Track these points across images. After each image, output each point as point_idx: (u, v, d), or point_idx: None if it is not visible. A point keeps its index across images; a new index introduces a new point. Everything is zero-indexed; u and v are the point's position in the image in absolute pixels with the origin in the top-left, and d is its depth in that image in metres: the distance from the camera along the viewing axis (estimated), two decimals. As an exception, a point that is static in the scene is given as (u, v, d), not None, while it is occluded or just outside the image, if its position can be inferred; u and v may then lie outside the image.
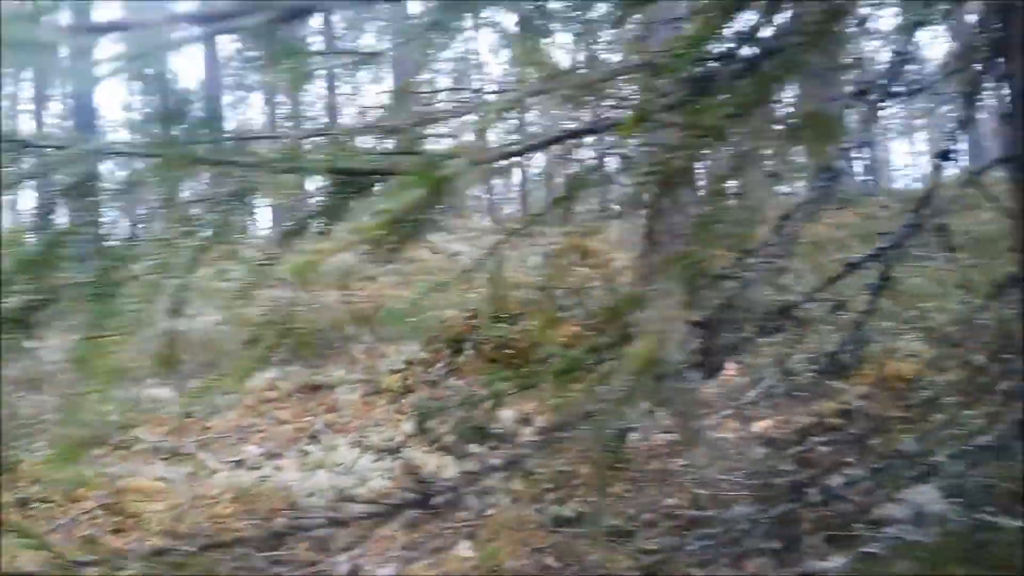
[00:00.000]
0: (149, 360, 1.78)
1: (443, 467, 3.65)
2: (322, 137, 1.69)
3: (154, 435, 4.92)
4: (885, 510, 1.73)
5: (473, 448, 3.36)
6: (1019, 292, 1.78)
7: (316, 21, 20.35)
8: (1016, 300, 1.83)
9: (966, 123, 2.02)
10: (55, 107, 25.65)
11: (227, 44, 25.98)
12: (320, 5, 1.94)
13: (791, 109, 1.58)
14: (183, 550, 1.99)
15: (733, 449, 4.17)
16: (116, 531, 3.45)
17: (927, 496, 1.69)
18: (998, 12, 1.87)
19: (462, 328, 5.71)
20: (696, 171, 2.18)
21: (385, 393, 5.38)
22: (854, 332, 2.38)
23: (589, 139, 1.78)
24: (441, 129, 1.71)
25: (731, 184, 1.29)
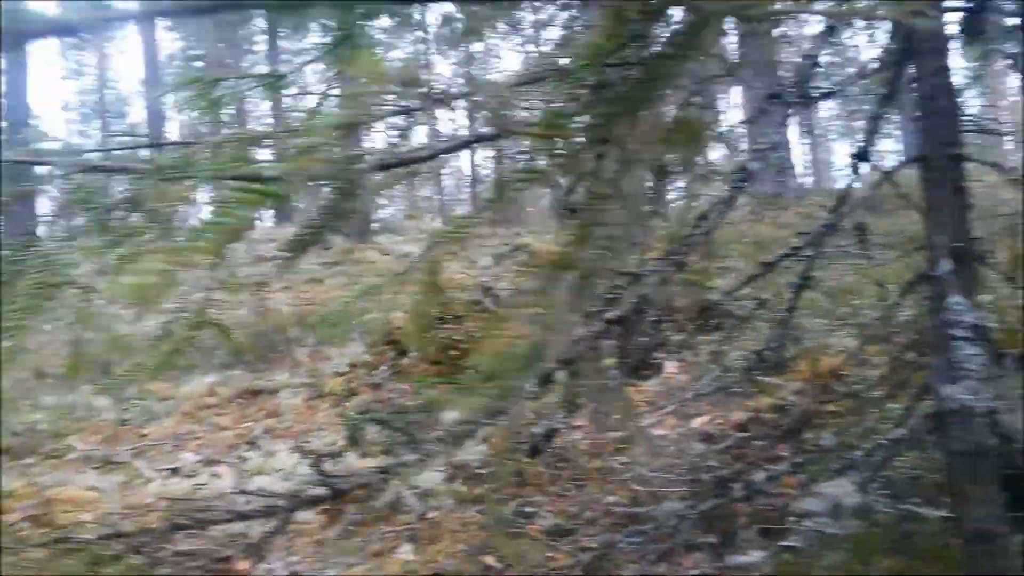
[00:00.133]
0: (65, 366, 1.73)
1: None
2: (229, 144, 1.67)
3: (87, 443, 4.79)
4: (803, 503, 1.77)
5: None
6: (929, 289, 1.85)
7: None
8: (926, 296, 1.89)
9: (880, 124, 2.09)
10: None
11: (168, 44, 25.47)
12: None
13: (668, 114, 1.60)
14: (82, 538, 1.94)
15: (672, 446, 4.23)
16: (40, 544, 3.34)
17: (843, 489, 1.73)
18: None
19: (415, 329, 5.67)
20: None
21: (328, 397, 5.32)
22: (778, 329, 2.43)
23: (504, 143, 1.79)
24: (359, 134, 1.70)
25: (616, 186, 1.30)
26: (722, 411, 4.46)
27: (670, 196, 2.21)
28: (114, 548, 2.19)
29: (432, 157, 1.62)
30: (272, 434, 4.80)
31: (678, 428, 4.45)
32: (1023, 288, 2.09)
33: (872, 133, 2.12)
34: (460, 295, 6.54)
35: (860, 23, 2.12)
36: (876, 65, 2.09)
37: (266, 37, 20.58)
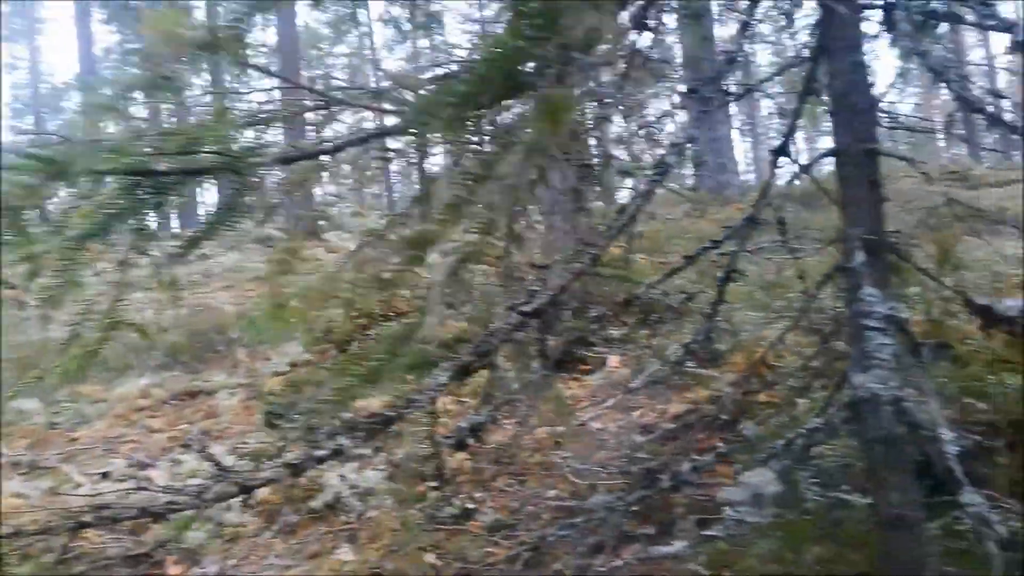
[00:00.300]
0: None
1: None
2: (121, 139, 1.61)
3: (13, 449, 4.62)
4: (726, 493, 1.80)
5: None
6: (845, 280, 1.89)
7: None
8: (843, 288, 1.93)
9: (797, 120, 2.13)
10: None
11: (105, 38, 24.74)
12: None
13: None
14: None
15: (612, 439, 4.26)
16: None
17: (764, 478, 1.76)
18: (823, 13, 1.98)
19: (351, 328, 5.61)
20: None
21: (271, 395, 5.22)
22: (706, 322, 2.46)
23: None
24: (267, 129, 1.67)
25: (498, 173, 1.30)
26: (661, 403, 4.52)
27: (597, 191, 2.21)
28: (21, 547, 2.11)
29: (337, 150, 1.59)
30: (209, 436, 4.69)
31: (618, 421, 4.49)
32: (938, 280, 2.15)
33: (792, 128, 2.16)
34: (405, 292, 6.50)
35: (780, 19, 2.15)
36: (794, 61, 2.13)
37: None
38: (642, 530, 3.32)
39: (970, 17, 2.08)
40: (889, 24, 2.00)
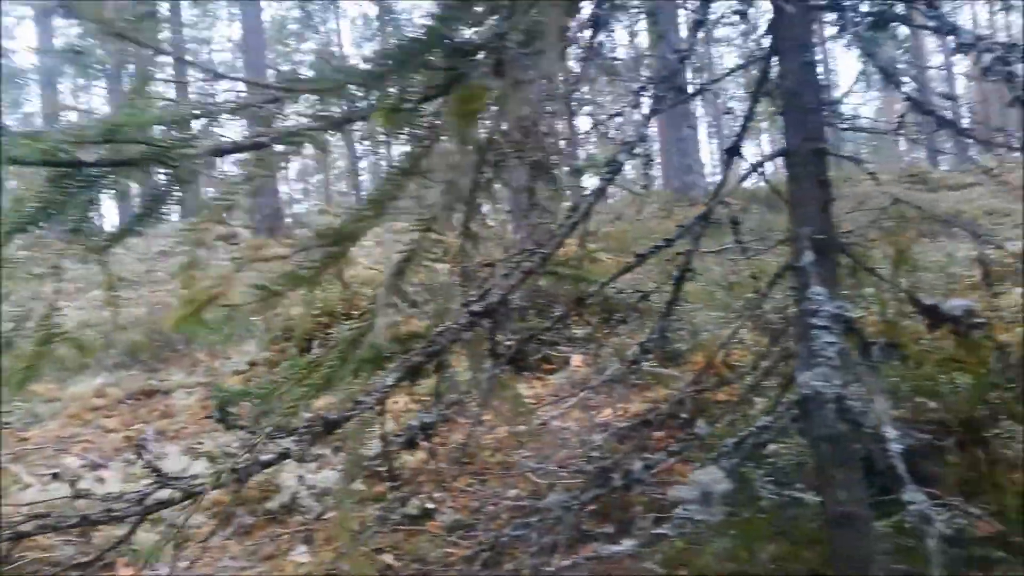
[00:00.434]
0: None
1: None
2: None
3: (-39, 450, 4.49)
4: (675, 491, 1.79)
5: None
6: (794, 279, 1.90)
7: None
8: (792, 287, 1.94)
9: (750, 119, 2.14)
10: None
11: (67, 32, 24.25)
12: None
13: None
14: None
15: (573, 438, 4.27)
16: None
17: (713, 476, 1.76)
18: (774, 13, 1.99)
19: (311, 326, 5.54)
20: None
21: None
22: (662, 321, 2.46)
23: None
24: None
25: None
26: (623, 403, 4.53)
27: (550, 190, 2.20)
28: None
29: (275, 142, 1.56)
30: (164, 436, 4.61)
31: (580, 420, 4.49)
32: (886, 280, 2.17)
33: (744, 128, 2.16)
34: (367, 290, 6.45)
35: (734, 18, 2.16)
36: (746, 61, 2.13)
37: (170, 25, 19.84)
38: (601, 529, 3.33)
39: (919, 19, 2.11)
40: (840, 25, 2.01)
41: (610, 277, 2.21)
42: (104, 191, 1.37)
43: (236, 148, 1.55)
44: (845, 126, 2.53)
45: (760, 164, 2.10)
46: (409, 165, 1.25)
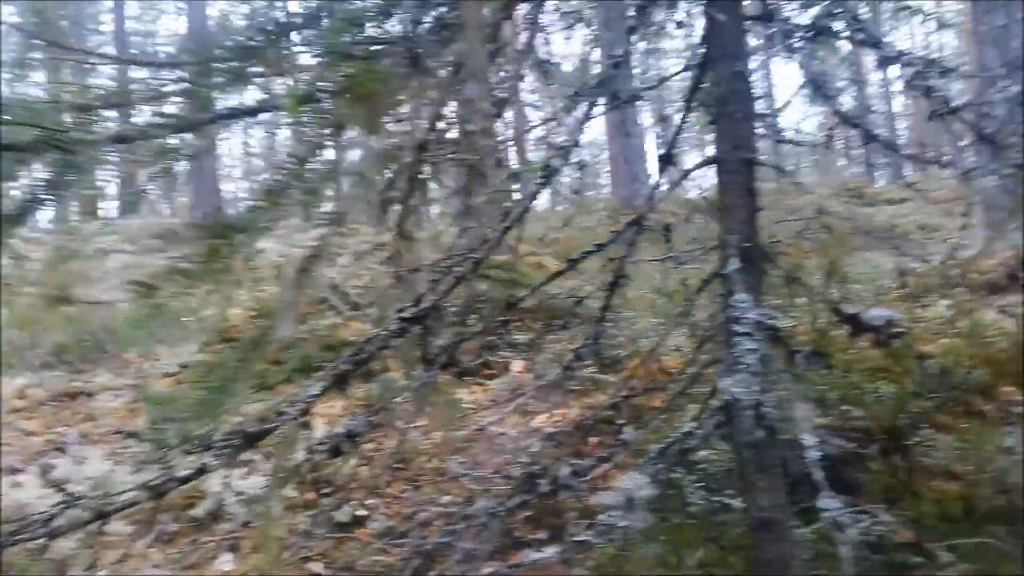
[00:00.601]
0: None
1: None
2: None
3: None
4: (599, 498, 1.78)
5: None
6: (720, 287, 1.91)
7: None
8: (719, 294, 1.95)
9: (683, 127, 2.16)
10: None
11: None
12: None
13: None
14: None
15: (511, 443, 4.24)
16: None
17: (636, 482, 1.76)
18: (708, 23, 2.00)
19: (245, 327, 5.41)
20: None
21: (154, 397, 4.98)
22: (595, 326, 2.46)
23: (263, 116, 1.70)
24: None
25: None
26: (560, 408, 4.52)
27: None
28: None
29: (189, 129, 1.50)
30: (87, 439, 4.44)
31: (518, 426, 4.47)
32: (809, 289, 2.20)
33: (677, 136, 2.17)
34: (308, 293, 6.32)
35: (671, 25, 2.17)
36: (681, 69, 2.15)
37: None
38: (534, 535, 3.31)
39: (847, 34, 2.14)
40: (771, 36, 2.04)
41: (540, 282, 2.19)
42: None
43: (140, 135, 1.49)
44: (778, 138, 2.57)
45: (690, 172, 2.11)
46: (306, 156, 1.21)
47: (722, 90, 1.96)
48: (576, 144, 1.88)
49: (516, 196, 2.13)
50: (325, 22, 1.32)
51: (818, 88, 2.29)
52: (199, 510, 3.64)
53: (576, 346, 4.08)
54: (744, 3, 2.06)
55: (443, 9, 1.29)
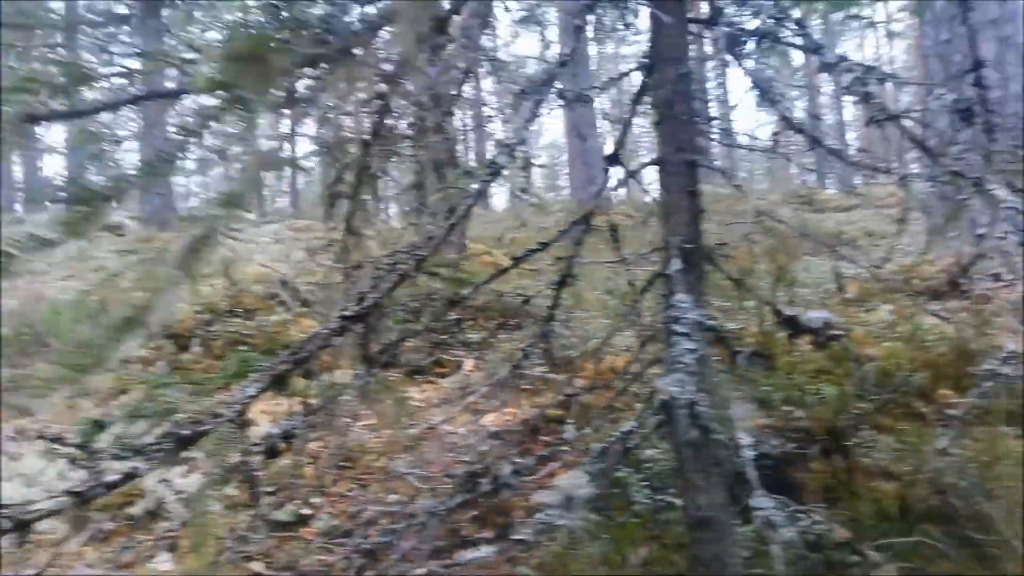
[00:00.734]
0: None
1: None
2: None
3: None
4: (538, 496, 1.78)
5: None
6: (663, 287, 1.91)
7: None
8: (662, 294, 1.96)
9: (629, 128, 2.16)
10: None
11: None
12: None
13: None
14: None
15: (461, 442, 4.22)
16: None
17: (575, 481, 1.75)
18: (654, 24, 2.01)
19: (190, 323, 5.30)
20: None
21: (94, 394, 4.85)
22: (543, 325, 2.45)
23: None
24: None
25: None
26: (511, 407, 4.52)
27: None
28: None
29: (102, 110, 1.45)
30: (23, 436, 4.30)
31: (468, 425, 4.45)
32: (749, 290, 2.23)
33: (624, 136, 2.18)
34: (257, 288, 6.23)
35: (618, 25, 2.17)
36: (628, 70, 2.15)
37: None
38: (480, 534, 3.30)
39: (791, 39, 2.17)
40: (715, 39, 2.05)
41: (483, 280, 2.18)
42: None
43: (55, 116, 1.43)
44: (727, 142, 2.60)
45: (634, 173, 2.11)
46: (196, 128, 1.17)
47: (667, 92, 1.96)
48: (522, 142, 1.86)
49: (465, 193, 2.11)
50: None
51: (765, 93, 2.31)
52: (137, 508, 3.54)
53: (524, 345, 4.09)
54: (694, 3, 2.07)
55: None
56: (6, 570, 3.24)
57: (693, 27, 2.13)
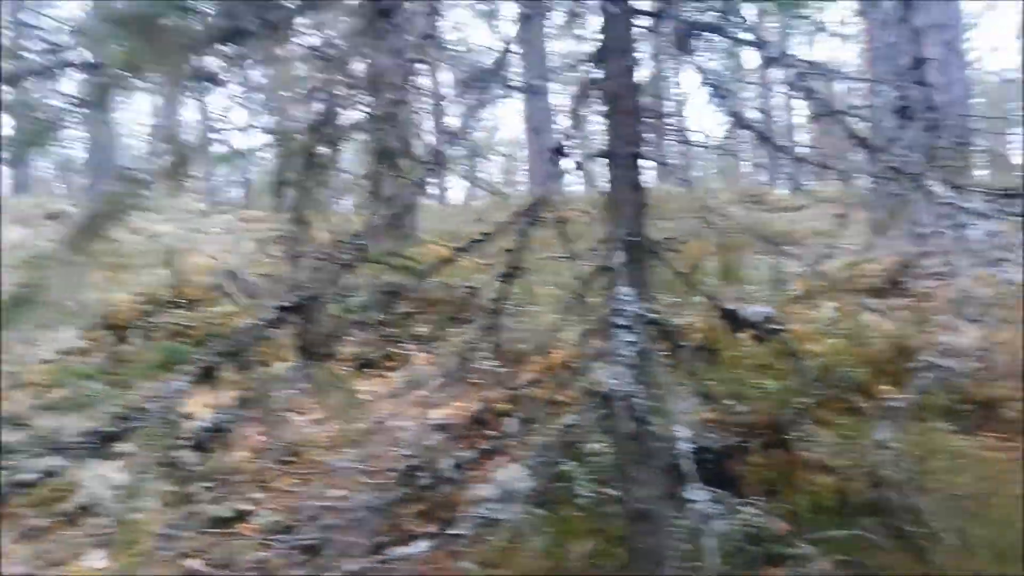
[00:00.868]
0: None
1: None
2: None
3: None
4: (477, 490, 1.75)
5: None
6: (607, 281, 1.90)
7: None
8: (604, 287, 1.95)
9: (577, 120, 2.14)
10: None
11: None
12: None
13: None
14: None
15: (409, 436, 4.18)
16: None
17: (514, 474, 1.73)
18: (603, 16, 1.99)
19: (130, 313, 5.15)
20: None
21: (30, 387, 4.68)
22: (490, 318, 2.43)
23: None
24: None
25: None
26: (461, 401, 4.49)
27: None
28: None
29: (10, 82, 1.38)
30: (-51, 429, 4.12)
31: (417, 419, 4.40)
32: (691, 286, 2.23)
33: (574, 128, 2.16)
34: (202, 279, 6.09)
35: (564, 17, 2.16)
36: (576, 62, 2.13)
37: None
38: (424, 529, 3.26)
39: (738, 34, 2.17)
40: (659, 31, 2.04)
41: (424, 270, 2.14)
42: None
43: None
44: (679, 138, 2.60)
45: (580, 165, 2.10)
46: (94, 100, 1.12)
47: (614, 84, 1.95)
48: (467, 130, 1.83)
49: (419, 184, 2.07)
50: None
51: (716, 89, 2.31)
52: (69, 504, 3.42)
53: (472, 338, 4.06)
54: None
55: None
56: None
57: (644, 20, 2.12)
